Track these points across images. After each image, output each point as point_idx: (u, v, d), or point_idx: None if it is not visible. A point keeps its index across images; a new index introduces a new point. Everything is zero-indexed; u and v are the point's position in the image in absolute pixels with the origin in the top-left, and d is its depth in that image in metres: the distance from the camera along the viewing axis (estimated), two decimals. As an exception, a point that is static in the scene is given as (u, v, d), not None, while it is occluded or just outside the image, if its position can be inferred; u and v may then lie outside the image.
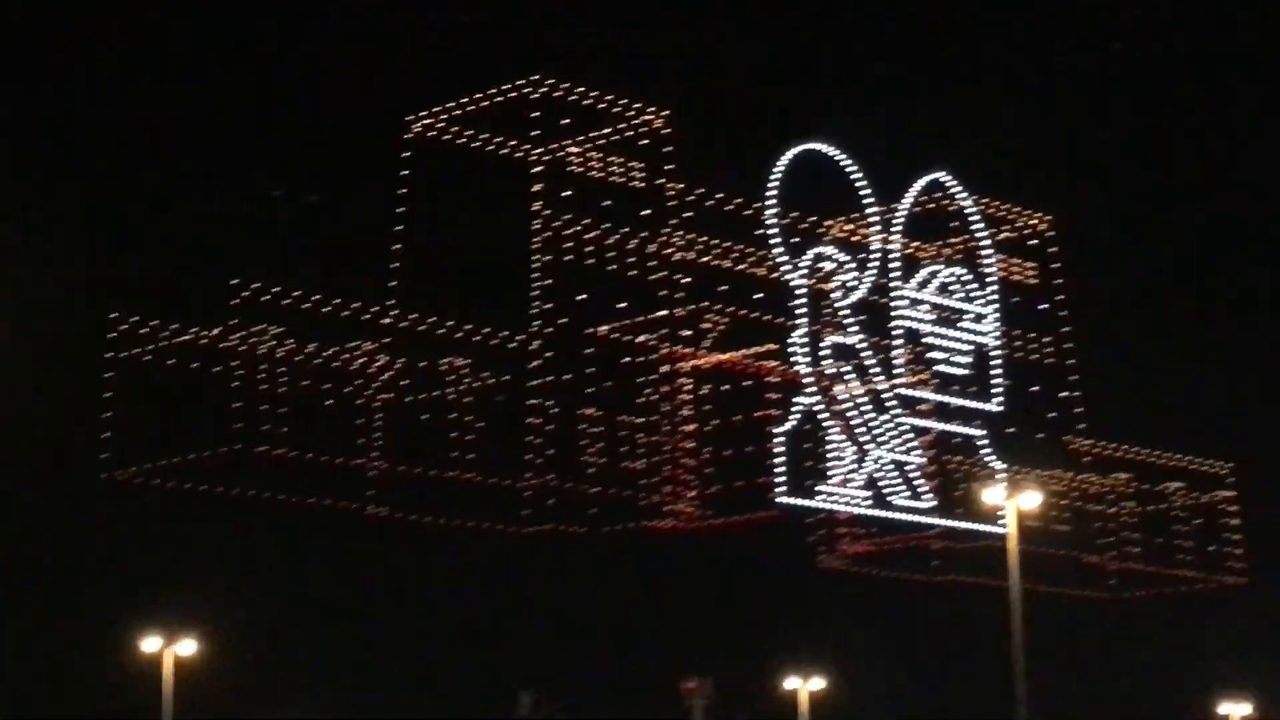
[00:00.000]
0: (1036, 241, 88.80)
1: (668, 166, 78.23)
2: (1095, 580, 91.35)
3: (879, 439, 78.95)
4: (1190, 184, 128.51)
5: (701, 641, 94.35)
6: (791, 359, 77.99)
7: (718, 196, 79.55)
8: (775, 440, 76.91)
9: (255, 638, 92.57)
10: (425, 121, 76.27)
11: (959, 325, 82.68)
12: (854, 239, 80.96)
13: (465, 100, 76.26)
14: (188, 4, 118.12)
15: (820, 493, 77.64)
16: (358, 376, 73.02)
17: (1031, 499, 69.91)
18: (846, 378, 78.73)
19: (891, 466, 79.23)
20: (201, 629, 73.51)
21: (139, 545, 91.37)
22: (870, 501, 78.97)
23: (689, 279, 78.26)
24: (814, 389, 77.88)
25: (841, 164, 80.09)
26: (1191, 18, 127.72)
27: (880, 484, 78.90)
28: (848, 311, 79.30)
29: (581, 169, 76.81)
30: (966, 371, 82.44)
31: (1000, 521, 73.50)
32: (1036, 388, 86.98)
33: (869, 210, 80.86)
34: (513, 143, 76.13)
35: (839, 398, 78.55)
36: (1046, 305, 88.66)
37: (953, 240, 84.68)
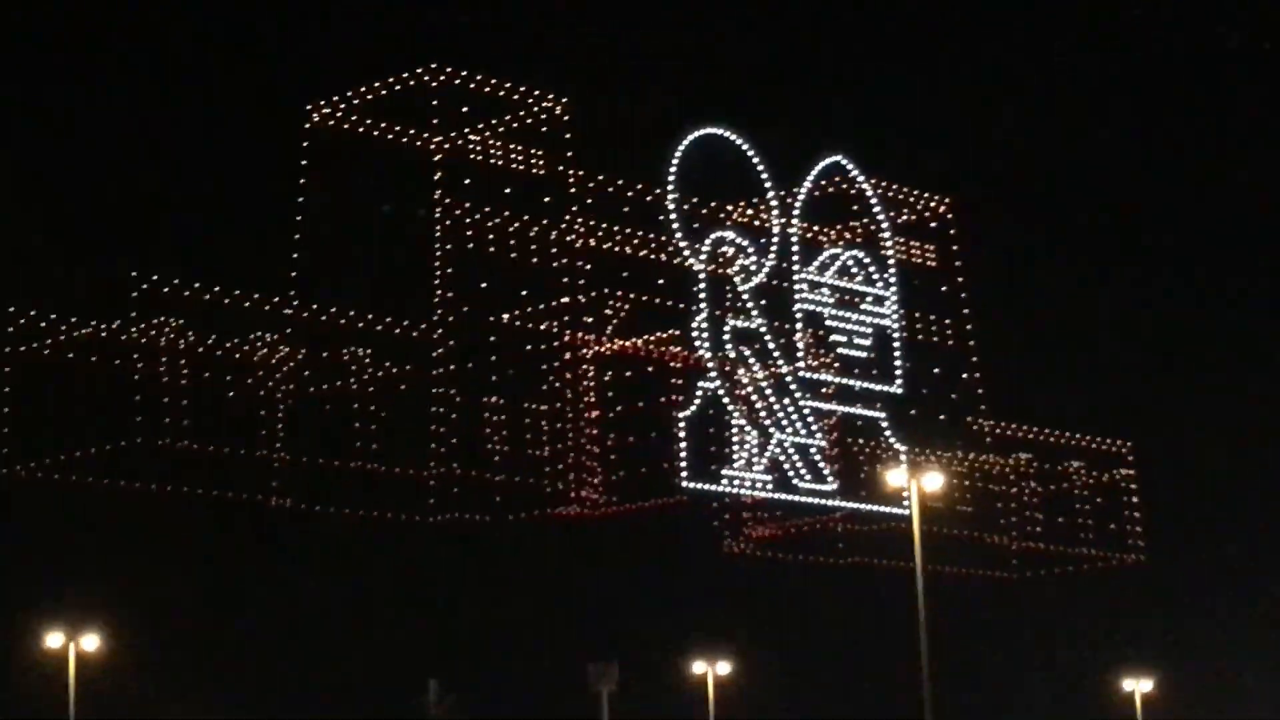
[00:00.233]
0: (936, 224, 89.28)
1: (568, 154, 78.24)
2: (998, 560, 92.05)
3: (782, 422, 79.27)
4: (1089, 165, 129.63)
5: (608, 627, 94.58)
6: (693, 344, 78.30)
7: (618, 183, 79.63)
8: (678, 425, 77.30)
9: (159, 632, 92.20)
10: (324, 111, 76.01)
11: (859, 308, 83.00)
12: (754, 223, 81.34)
13: (364, 89, 76.07)
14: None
15: (724, 477, 77.97)
16: (259, 368, 72.76)
17: (934, 480, 69.83)
18: (748, 362, 79.09)
19: (794, 450, 79.57)
20: (104, 624, 73.10)
21: (39, 542, 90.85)
22: (774, 485, 79.35)
23: (590, 266, 78.30)
24: (716, 373, 78.19)
25: (740, 148, 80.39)
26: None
27: (784, 467, 79.29)
28: (748, 296, 79.67)
29: (482, 157, 76.70)
30: (868, 354, 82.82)
31: (903, 503, 73.92)
32: (937, 369, 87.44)
33: (768, 194, 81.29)
34: (412, 131, 75.99)
35: (741, 382, 78.86)
36: (946, 287, 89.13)
37: (852, 224, 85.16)
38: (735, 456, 78.13)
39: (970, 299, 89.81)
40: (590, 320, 78.48)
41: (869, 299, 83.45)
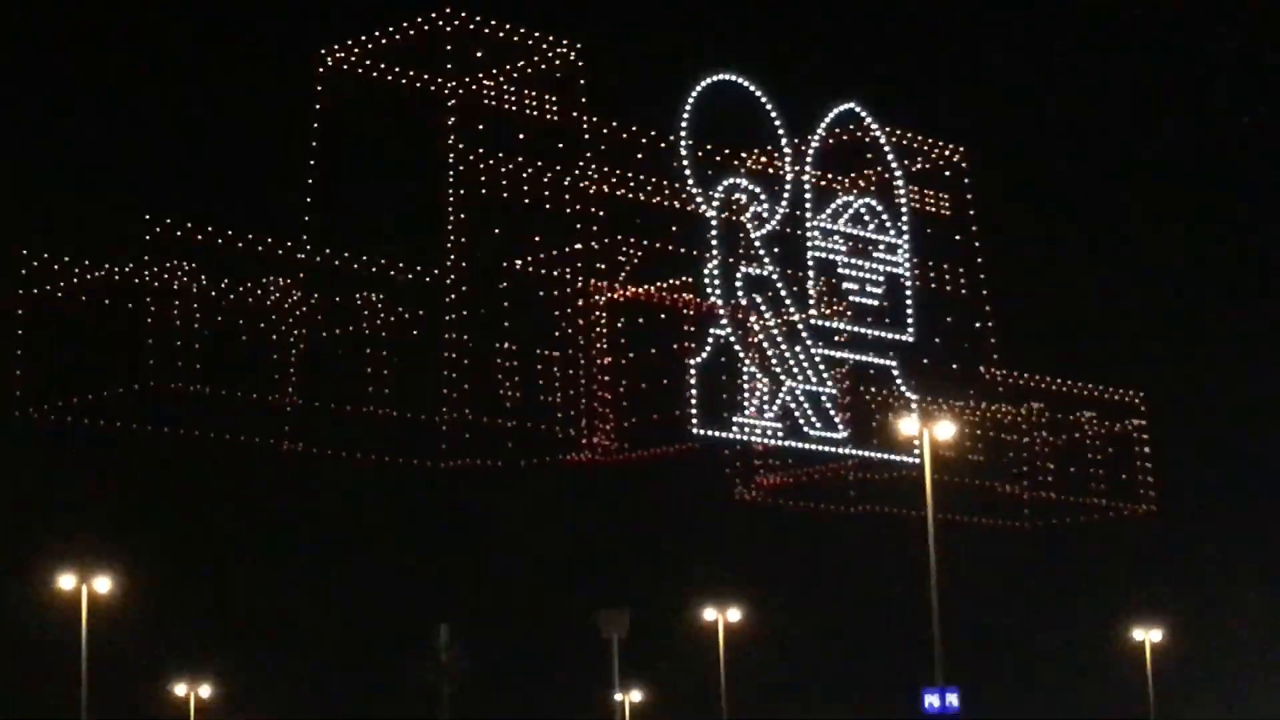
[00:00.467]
0: (950, 173, 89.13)
1: (581, 100, 78.13)
2: (1009, 509, 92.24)
3: (793, 370, 79.25)
4: (1102, 118, 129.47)
5: (619, 573, 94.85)
6: (705, 291, 78.23)
7: (631, 130, 79.52)
8: (690, 372, 77.35)
9: (170, 574, 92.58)
10: (336, 55, 75.77)
11: (872, 256, 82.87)
12: (767, 171, 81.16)
13: (377, 34, 75.85)
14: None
15: (735, 424, 78.03)
16: (271, 312, 72.94)
17: (945, 429, 69.82)
18: (760, 309, 79.09)
19: (805, 397, 79.56)
20: (116, 566, 73.40)
21: (51, 483, 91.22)
22: (785, 433, 79.36)
23: (603, 212, 78.32)
24: (728, 321, 78.22)
25: (753, 95, 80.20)
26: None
27: (795, 415, 79.29)
28: (761, 243, 79.57)
29: (495, 103, 76.56)
30: (880, 302, 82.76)
31: (914, 452, 74.13)
32: (950, 318, 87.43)
33: (782, 141, 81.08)
34: (425, 76, 75.84)
35: (753, 329, 78.92)
36: (960, 236, 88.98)
37: (866, 171, 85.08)
38: (746, 404, 78.19)
39: (983, 248, 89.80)
40: (603, 266, 78.48)
41: (882, 247, 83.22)
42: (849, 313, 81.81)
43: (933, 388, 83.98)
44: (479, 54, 76.40)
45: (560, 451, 78.86)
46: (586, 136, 78.52)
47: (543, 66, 77.60)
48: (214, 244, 71.70)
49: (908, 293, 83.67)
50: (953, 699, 60.85)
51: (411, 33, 75.93)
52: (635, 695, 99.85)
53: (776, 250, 79.79)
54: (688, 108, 78.16)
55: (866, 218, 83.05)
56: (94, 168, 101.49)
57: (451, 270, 75.69)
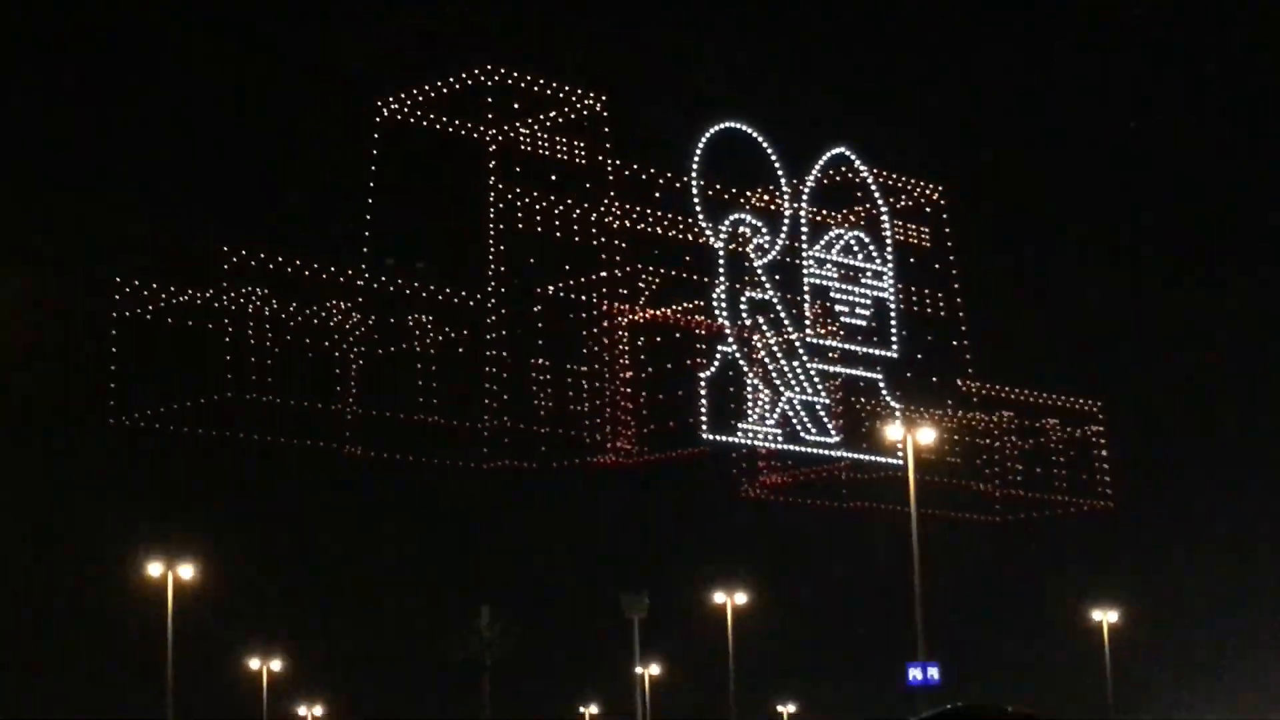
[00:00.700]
0: (929, 209, 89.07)
1: (605, 145, 78.42)
2: (983, 505, 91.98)
3: (791, 382, 79.52)
4: (1065, 160, 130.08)
5: (639, 561, 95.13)
6: (714, 313, 78.50)
7: (649, 171, 79.82)
8: (700, 384, 77.50)
9: (247, 563, 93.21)
10: (392, 106, 76.17)
11: (860, 282, 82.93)
12: (768, 207, 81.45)
13: (427, 86, 76.30)
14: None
15: (740, 430, 78.22)
16: (334, 332, 73.29)
17: (926, 434, 70.18)
18: (762, 329, 79.34)
19: (802, 406, 79.84)
20: (199, 555, 73.94)
21: (142, 483, 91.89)
22: (783, 437, 79.65)
23: (624, 244, 78.61)
24: (734, 339, 78.49)
25: (756, 141, 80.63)
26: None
27: (792, 422, 79.58)
28: (763, 271, 79.80)
29: (529, 147, 76.88)
30: (867, 323, 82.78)
31: (899, 454, 74.52)
32: (929, 336, 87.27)
33: (781, 182, 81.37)
34: (469, 123, 76.21)
35: (756, 346, 79.13)
36: (938, 264, 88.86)
37: (854, 208, 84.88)
38: (750, 412, 78.39)
39: (959, 275, 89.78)
40: (624, 291, 78.73)
41: (869, 274, 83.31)
42: (840, 332, 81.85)
43: (914, 398, 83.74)
44: (515, 104, 76.63)
45: (587, 455, 78.96)
46: (609, 177, 78.72)
47: (571, 115, 77.72)
48: (282, 271, 72.18)
49: (892, 314, 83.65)
50: (933, 672, 61.32)
51: (456, 85, 76.29)
52: (654, 669, 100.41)
53: (776, 277, 79.93)
54: (698, 152, 78.54)
55: (855, 248, 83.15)
56: (177, 203, 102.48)
57: (491, 294, 76.00)
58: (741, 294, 79.09)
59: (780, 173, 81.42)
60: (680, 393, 78.35)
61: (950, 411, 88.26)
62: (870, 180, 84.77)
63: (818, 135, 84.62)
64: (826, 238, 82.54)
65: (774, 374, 79.24)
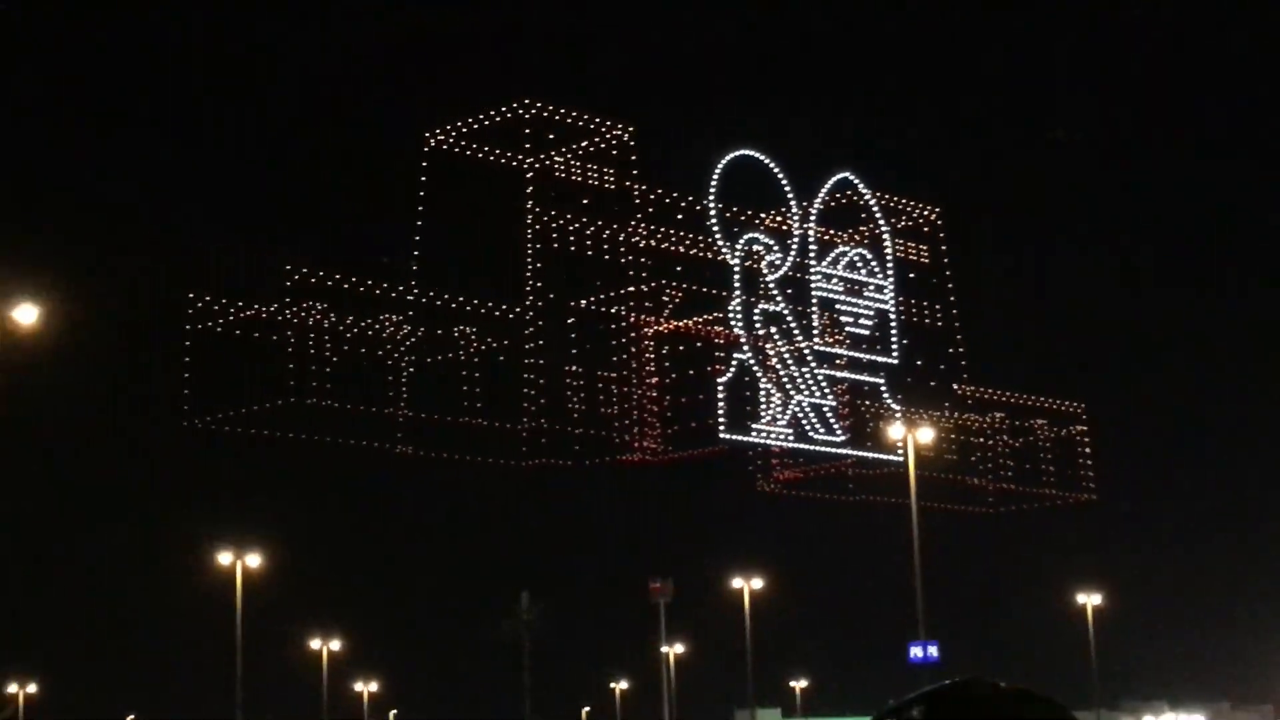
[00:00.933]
0: (927, 228, 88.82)
1: (632, 172, 78.37)
2: (977, 498, 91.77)
3: (800, 386, 79.32)
4: (1053, 183, 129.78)
5: (666, 549, 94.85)
6: (731, 324, 78.37)
7: (672, 195, 79.75)
8: (719, 389, 77.45)
9: (310, 552, 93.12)
10: (439, 137, 76.31)
11: (864, 295, 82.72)
12: (779, 228, 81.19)
13: (471, 120, 76.39)
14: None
15: (754, 430, 78.05)
16: (387, 343, 73.44)
17: (925, 434, 69.93)
18: (774, 338, 79.21)
19: (810, 408, 79.61)
20: (265, 546, 73.85)
21: (212, 480, 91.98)
22: (794, 436, 79.44)
23: (650, 262, 78.49)
24: (749, 347, 78.36)
25: (768, 167, 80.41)
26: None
27: (801, 422, 79.34)
28: (775, 285, 79.62)
29: (564, 174, 76.92)
30: (871, 332, 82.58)
31: (900, 452, 74.13)
32: (927, 345, 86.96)
33: (791, 204, 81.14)
34: (509, 153, 76.30)
35: (768, 354, 78.97)
36: (935, 279, 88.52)
37: (859, 228, 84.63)
38: (763, 414, 78.23)
39: (954, 289, 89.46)
40: (649, 305, 78.66)
41: (872, 288, 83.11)
42: (846, 340, 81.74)
43: (914, 400, 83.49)
44: (551, 135, 76.62)
45: (617, 453, 78.87)
46: (636, 201, 78.58)
47: (601, 145, 77.65)
48: (341, 288, 72.22)
49: (893, 324, 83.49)
50: (933, 650, 60.86)
51: (498, 119, 76.29)
52: (679, 648, 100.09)
53: (787, 291, 79.80)
54: (716, 178, 78.43)
55: (859, 264, 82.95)
56: (245, 226, 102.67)
57: (530, 308, 76.02)
58: (756, 306, 78.91)
59: (790, 196, 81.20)
60: (701, 396, 78.19)
61: (947, 413, 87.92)
62: (872, 202, 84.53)
63: (824, 162, 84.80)
64: (833, 255, 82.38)
65: (785, 379, 79.00)
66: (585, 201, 77.35)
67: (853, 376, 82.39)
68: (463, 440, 75.23)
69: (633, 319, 78.35)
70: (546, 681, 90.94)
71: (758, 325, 78.84)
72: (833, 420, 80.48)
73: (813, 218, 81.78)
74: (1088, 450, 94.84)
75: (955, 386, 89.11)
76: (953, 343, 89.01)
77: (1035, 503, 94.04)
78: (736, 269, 78.95)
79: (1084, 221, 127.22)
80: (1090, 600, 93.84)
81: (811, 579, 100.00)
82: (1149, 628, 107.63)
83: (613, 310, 78.15)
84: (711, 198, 78.66)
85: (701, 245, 79.49)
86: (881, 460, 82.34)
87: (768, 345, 79.00)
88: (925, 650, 60.43)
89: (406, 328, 73.88)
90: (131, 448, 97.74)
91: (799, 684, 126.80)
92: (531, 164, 76.52)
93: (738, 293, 78.65)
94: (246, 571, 70.70)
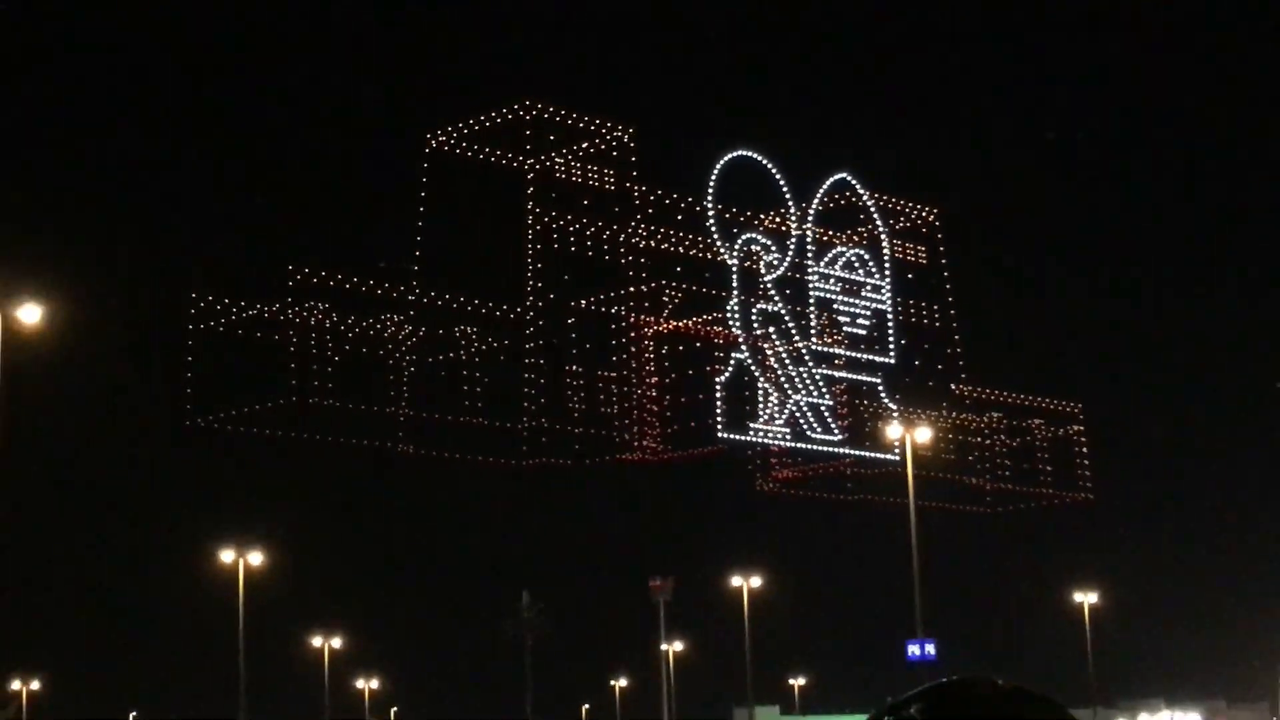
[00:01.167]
0: (925, 229, 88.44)
1: (632, 173, 77.95)
2: (974, 497, 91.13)
3: (799, 386, 78.88)
4: (1048, 190, 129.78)
5: (665, 548, 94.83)
6: (729, 324, 77.99)
7: (671, 196, 79.30)
8: (718, 388, 77.03)
9: (311, 550, 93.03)
10: (440, 139, 76.01)
11: (862, 295, 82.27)
12: (777, 228, 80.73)
13: (473, 121, 76.11)
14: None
15: (752, 429, 77.62)
16: (388, 342, 73.20)
17: (923, 433, 69.85)
18: (772, 338, 78.74)
19: (808, 408, 79.15)
20: (267, 544, 73.85)
21: (215, 478, 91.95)
22: (791, 436, 79.00)
23: (649, 262, 78.09)
24: (747, 348, 77.92)
25: (766, 168, 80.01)
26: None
27: (799, 422, 78.89)
28: (772, 286, 79.19)
29: (564, 175, 76.61)
30: (868, 332, 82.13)
31: (897, 451, 73.87)
32: (925, 345, 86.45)
33: (789, 205, 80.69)
34: (510, 154, 75.95)
35: (767, 354, 78.57)
36: (933, 280, 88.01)
37: (856, 228, 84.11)
38: (761, 413, 77.78)
39: (951, 289, 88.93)
40: (649, 305, 78.23)
41: (869, 288, 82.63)
42: (843, 340, 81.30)
43: (911, 400, 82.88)
44: (551, 136, 76.26)
45: (617, 452, 78.49)
46: (636, 202, 78.19)
47: (601, 146, 77.29)
48: (342, 288, 72.05)
49: (890, 325, 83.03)
50: (931, 649, 60.85)
51: (498, 120, 75.99)
52: (678, 645, 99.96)
53: (785, 291, 79.35)
54: (714, 179, 78.04)
55: (857, 265, 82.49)
56: (247, 229, 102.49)
57: (530, 308, 75.72)
58: (754, 307, 78.53)
59: (788, 196, 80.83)
60: (700, 396, 77.78)
61: (944, 413, 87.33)
62: (870, 203, 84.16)
63: (822, 163, 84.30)
64: (830, 255, 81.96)
65: (783, 379, 78.60)
66: (585, 202, 76.91)
67: (850, 376, 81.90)
68: (463, 439, 74.82)
69: (632, 319, 78.03)
70: (547, 679, 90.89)
71: (756, 325, 78.42)
72: (830, 420, 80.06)
73: (811, 218, 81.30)
74: (1084, 450, 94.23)
75: (953, 386, 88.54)
76: (950, 343, 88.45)
77: (1032, 502, 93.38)
78: (735, 270, 78.50)
79: (1081, 223, 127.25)
80: (1087, 599, 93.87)
81: (810, 578, 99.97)
82: (1145, 626, 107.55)
83: (612, 310, 77.78)
84: (710, 198, 78.23)
85: (701, 246, 79.03)
86: (879, 460, 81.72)
87: (766, 345, 78.59)
88: (923, 649, 60.51)
89: (408, 328, 73.58)
90: (134, 446, 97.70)
91: (797, 682, 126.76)
92: (532, 165, 76.10)
93: (736, 293, 78.19)
94: (249, 570, 70.71)
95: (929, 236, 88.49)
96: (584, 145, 77.16)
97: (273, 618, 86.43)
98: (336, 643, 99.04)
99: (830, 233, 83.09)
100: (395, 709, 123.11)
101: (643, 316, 78.29)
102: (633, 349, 78.16)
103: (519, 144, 76.11)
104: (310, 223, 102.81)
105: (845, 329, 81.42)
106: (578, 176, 76.93)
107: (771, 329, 78.68)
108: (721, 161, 78.35)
